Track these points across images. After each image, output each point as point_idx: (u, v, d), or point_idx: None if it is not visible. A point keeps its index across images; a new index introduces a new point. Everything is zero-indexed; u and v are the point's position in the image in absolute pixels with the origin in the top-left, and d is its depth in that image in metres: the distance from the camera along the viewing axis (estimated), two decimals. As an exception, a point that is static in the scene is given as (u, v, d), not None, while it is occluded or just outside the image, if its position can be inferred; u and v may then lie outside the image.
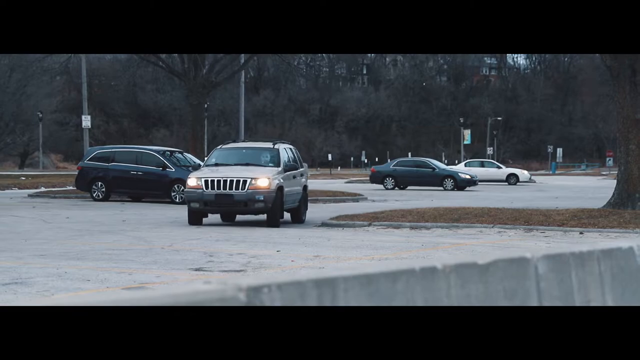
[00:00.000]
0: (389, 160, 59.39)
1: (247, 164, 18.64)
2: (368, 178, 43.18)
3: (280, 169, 18.54)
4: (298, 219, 19.43)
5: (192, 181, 18.05)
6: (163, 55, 33.66)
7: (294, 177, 19.39)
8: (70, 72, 58.08)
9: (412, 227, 17.56)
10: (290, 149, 20.30)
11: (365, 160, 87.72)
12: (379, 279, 2.67)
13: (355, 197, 29.42)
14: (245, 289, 2.28)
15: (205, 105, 38.25)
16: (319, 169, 77.33)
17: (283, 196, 18.23)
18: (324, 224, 18.41)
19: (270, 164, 18.80)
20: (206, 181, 17.80)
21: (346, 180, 50.86)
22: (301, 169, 20.33)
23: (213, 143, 64.08)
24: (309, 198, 21.66)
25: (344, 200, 28.22)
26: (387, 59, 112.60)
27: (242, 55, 33.94)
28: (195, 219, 18.29)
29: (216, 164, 18.89)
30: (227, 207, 18.12)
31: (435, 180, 38.86)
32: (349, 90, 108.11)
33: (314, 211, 21.96)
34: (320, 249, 13.42)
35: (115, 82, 72.12)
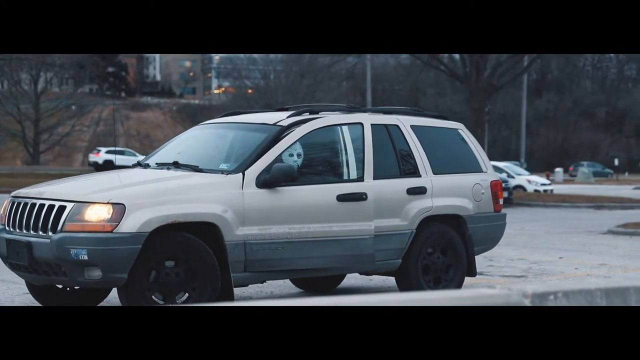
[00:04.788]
0: (682, 165, 55.77)
1: None
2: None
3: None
4: None
5: None
6: (445, 60, 33.87)
7: None
8: (355, 77, 60.04)
9: None
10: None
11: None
12: (673, 291, 2.53)
13: (645, 205, 27.87)
14: (530, 295, 2.27)
15: (486, 109, 37.99)
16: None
17: None
18: (609, 231, 17.62)
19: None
20: None
21: (634, 186, 48.35)
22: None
23: (493, 147, 63.51)
24: (594, 204, 20.00)
25: (631, 207, 26.84)
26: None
27: (526, 57, 33.35)
28: None
29: None
30: None
31: None
32: (638, 91, 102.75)
33: (598, 217, 21.12)
34: (606, 257, 12.88)
35: (398, 86, 73.59)
